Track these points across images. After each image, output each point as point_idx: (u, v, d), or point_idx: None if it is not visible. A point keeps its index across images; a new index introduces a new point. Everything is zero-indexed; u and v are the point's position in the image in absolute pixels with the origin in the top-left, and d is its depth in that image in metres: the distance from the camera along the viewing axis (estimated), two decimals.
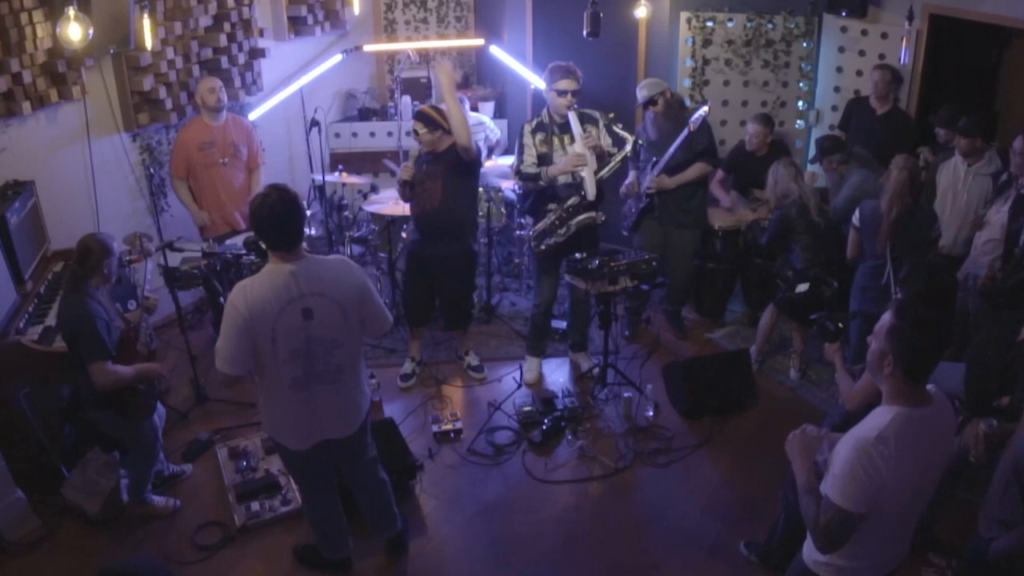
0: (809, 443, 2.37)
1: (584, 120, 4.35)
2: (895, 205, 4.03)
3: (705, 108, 4.56)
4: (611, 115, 4.46)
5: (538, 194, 4.50)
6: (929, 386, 2.20)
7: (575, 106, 4.29)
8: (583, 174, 4.29)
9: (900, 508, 2.18)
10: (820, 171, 5.37)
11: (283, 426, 3.05)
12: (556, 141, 4.38)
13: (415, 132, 4.39)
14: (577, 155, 4.24)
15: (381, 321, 3.03)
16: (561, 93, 4.26)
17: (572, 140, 4.31)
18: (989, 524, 2.70)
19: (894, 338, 2.10)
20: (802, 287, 4.51)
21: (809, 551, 2.36)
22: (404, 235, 5.25)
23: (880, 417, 2.14)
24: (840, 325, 3.10)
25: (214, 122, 5.01)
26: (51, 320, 3.81)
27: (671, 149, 4.70)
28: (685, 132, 4.59)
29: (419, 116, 4.39)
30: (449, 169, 4.37)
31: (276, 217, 2.73)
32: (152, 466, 3.75)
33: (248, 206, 2.91)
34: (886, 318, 2.15)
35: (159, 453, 3.79)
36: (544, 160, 4.39)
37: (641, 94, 4.84)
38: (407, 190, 4.50)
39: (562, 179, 4.38)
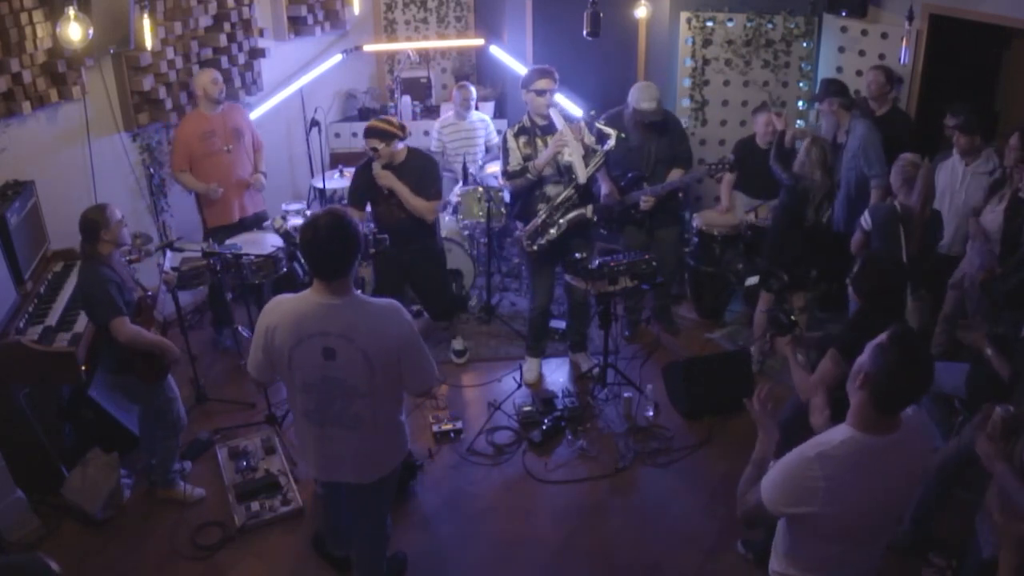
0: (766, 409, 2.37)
1: (566, 119, 4.39)
2: (928, 204, 3.96)
3: (728, 172, 4.81)
4: (592, 112, 4.47)
5: (526, 197, 4.51)
6: (908, 410, 2.13)
7: (554, 104, 4.36)
8: (570, 158, 4.30)
9: (850, 532, 2.12)
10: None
11: (303, 450, 3.00)
12: (539, 143, 4.40)
13: (373, 150, 4.34)
14: (557, 139, 4.26)
15: (423, 378, 2.76)
16: (540, 93, 4.31)
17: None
18: (991, 525, 2.69)
19: (875, 360, 2.01)
20: (752, 280, 4.51)
21: (773, 563, 2.35)
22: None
23: (833, 434, 2.08)
24: (792, 318, 3.12)
25: (212, 112, 4.96)
26: (51, 320, 3.82)
27: (668, 184, 4.82)
28: (689, 178, 4.80)
29: (371, 133, 4.33)
30: (415, 177, 4.41)
31: (319, 243, 2.53)
32: (176, 436, 3.82)
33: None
34: (882, 337, 2.06)
35: (181, 423, 3.82)
36: (528, 161, 4.42)
37: (651, 105, 4.72)
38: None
39: (548, 171, 4.39)
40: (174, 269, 4.42)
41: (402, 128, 4.39)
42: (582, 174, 4.30)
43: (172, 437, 3.82)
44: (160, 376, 3.67)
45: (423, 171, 4.46)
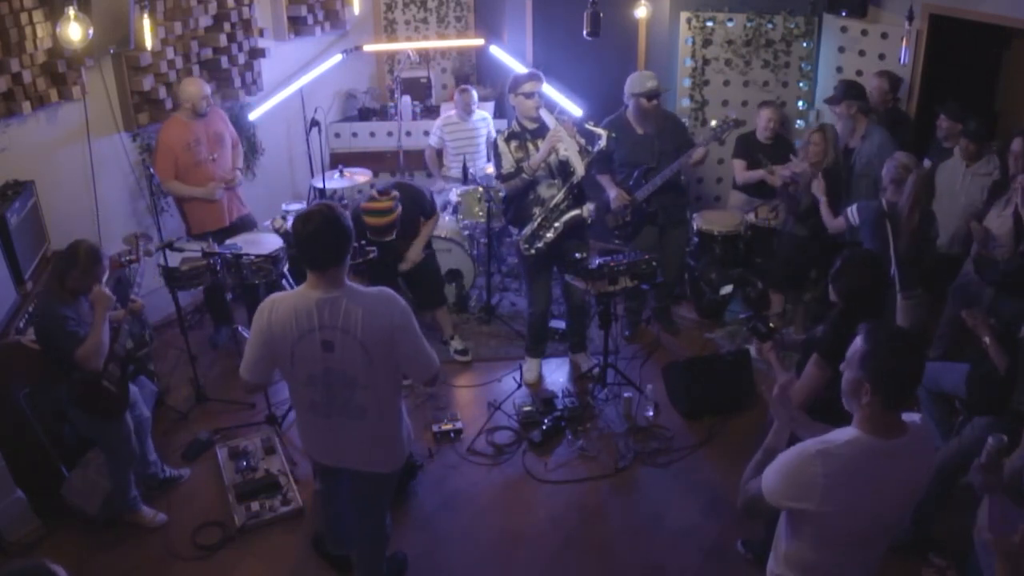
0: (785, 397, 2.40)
1: (557, 118, 4.36)
2: (916, 208, 3.98)
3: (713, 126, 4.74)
4: (579, 113, 4.46)
5: (519, 200, 4.51)
6: (916, 416, 2.14)
7: (543, 106, 4.36)
8: (566, 154, 4.29)
9: (849, 536, 2.12)
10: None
11: (306, 437, 3.03)
12: (530, 146, 4.39)
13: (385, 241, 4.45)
14: (552, 131, 4.25)
15: (421, 366, 2.77)
16: (528, 95, 4.32)
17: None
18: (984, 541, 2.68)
19: (869, 365, 2.01)
20: (726, 289, 4.49)
21: (772, 564, 2.35)
22: None
23: (839, 434, 2.08)
24: (772, 325, 3.13)
25: (194, 120, 4.82)
26: None
27: (668, 171, 4.77)
28: (686, 158, 4.74)
29: (387, 230, 4.42)
30: (411, 215, 4.65)
31: (313, 234, 2.58)
32: (127, 471, 3.66)
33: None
34: (858, 344, 2.07)
35: (133, 458, 3.68)
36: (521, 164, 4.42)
37: (650, 84, 4.74)
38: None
39: (542, 173, 4.38)
40: (171, 270, 4.41)
41: (393, 199, 4.38)
42: (580, 168, 4.28)
43: (126, 469, 3.66)
44: (113, 416, 3.49)
45: (417, 204, 4.71)
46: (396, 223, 4.42)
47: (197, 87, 4.77)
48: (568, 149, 4.26)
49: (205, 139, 4.87)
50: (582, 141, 4.35)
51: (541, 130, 4.37)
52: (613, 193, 4.92)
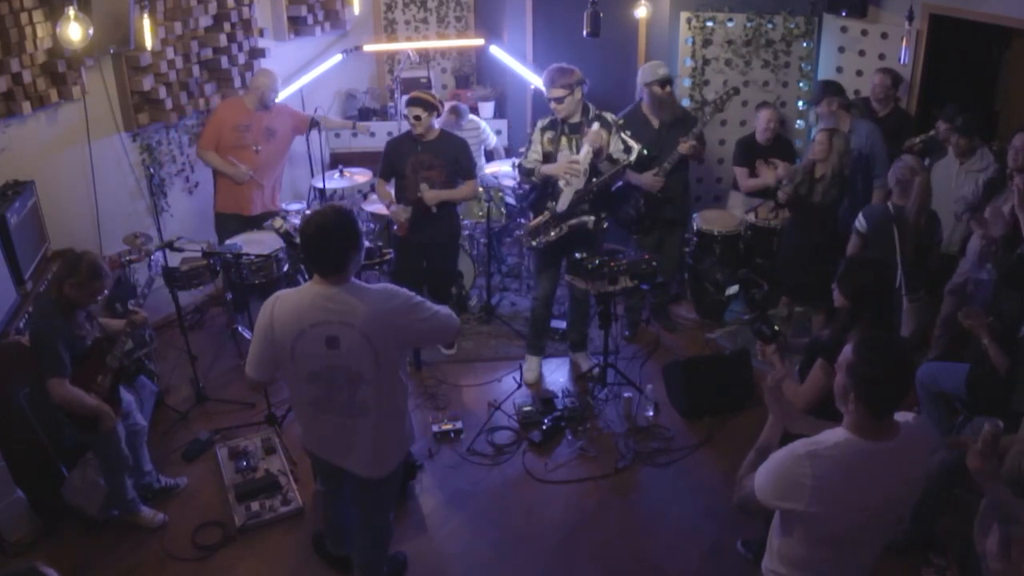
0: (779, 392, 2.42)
1: (599, 121, 4.27)
2: (922, 209, 3.98)
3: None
4: (620, 121, 4.42)
5: (541, 191, 4.50)
6: (909, 416, 2.14)
7: (592, 110, 4.30)
8: (564, 188, 4.29)
9: (841, 535, 2.13)
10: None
11: (308, 432, 3.00)
12: (564, 141, 4.34)
13: (416, 119, 4.52)
14: (572, 162, 4.20)
15: (439, 332, 2.84)
16: (548, 102, 4.29)
17: (579, 143, 4.29)
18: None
19: (853, 375, 2.04)
20: (732, 290, 4.47)
21: (766, 560, 2.36)
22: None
23: (828, 435, 2.09)
24: (776, 328, 3.13)
25: (255, 109, 5.07)
26: None
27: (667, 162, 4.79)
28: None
29: (416, 101, 4.53)
30: (450, 160, 4.64)
31: (314, 239, 2.61)
32: (121, 476, 3.63)
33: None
34: (847, 352, 2.09)
35: (126, 464, 3.65)
36: (548, 159, 4.37)
37: (662, 71, 4.78)
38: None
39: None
40: (171, 270, 4.41)
41: (441, 104, 4.66)
42: (562, 205, 4.33)
43: (120, 473, 3.63)
44: (100, 431, 3.43)
45: (458, 153, 4.70)
46: (431, 125, 4.58)
47: (269, 79, 5.07)
48: (570, 184, 4.27)
49: (256, 128, 5.08)
50: (619, 147, 4.26)
51: (580, 125, 4.28)
52: (645, 179, 4.82)
